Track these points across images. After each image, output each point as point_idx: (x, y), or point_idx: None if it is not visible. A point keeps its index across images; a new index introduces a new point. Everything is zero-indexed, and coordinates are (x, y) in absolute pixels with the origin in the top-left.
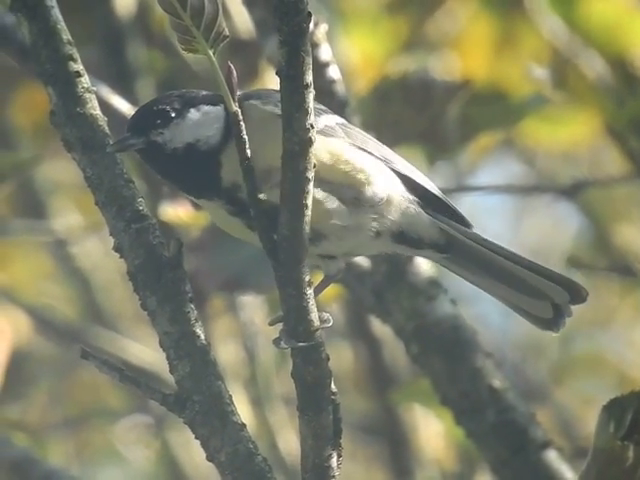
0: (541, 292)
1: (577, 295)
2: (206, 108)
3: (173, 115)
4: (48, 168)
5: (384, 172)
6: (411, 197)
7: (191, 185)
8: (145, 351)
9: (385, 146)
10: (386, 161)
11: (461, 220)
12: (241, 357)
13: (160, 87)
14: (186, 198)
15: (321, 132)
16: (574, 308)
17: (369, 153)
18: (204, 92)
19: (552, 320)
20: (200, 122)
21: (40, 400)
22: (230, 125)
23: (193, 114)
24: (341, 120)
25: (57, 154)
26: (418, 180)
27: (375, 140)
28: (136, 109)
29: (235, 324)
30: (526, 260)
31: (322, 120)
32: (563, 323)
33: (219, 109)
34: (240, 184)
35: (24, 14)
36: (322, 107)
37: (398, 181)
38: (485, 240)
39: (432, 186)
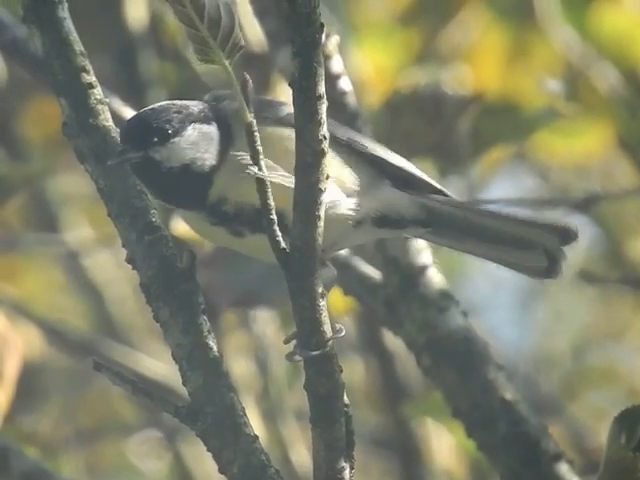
0: (531, 242)
1: (567, 236)
2: (204, 127)
3: (170, 132)
4: (60, 180)
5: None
6: (385, 179)
7: (174, 198)
8: (158, 363)
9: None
10: (353, 144)
11: (438, 192)
12: (254, 370)
13: (172, 99)
14: (161, 204)
15: (283, 121)
16: (586, 318)
17: (336, 138)
18: (199, 105)
19: (549, 267)
20: (197, 142)
21: (52, 413)
22: (224, 145)
23: (190, 133)
24: None
25: (69, 166)
26: (390, 159)
27: (344, 126)
28: (131, 117)
29: (247, 337)
30: (509, 214)
31: (286, 109)
32: (560, 268)
33: (214, 128)
34: (227, 198)
35: (37, 25)
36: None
37: (367, 165)
38: (464, 203)
39: (403, 162)
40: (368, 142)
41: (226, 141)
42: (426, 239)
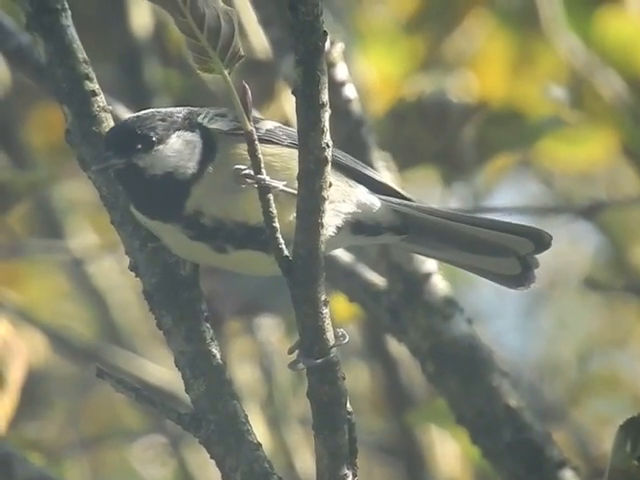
0: (505, 248)
1: (541, 242)
2: (187, 135)
3: (154, 140)
4: (64, 187)
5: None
6: (360, 186)
7: (150, 207)
8: (161, 370)
9: None
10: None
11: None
12: (258, 377)
13: (176, 106)
14: (137, 216)
15: (264, 138)
16: (591, 326)
17: None
18: (183, 111)
19: (521, 276)
20: (180, 151)
21: (56, 420)
22: (206, 152)
23: (174, 141)
24: (276, 123)
25: (73, 173)
26: (364, 171)
27: None
28: (115, 125)
29: (252, 344)
30: (483, 219)
31: (265, 125)
32: (533, 276)
33: (196, 137)
34: (203, 212)
35: (40, 33)
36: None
37: (343, 173)
38: (438, 210)
39: (377, 174)
40: (339, 151)
41: (206, 154)
42: (401, 247)
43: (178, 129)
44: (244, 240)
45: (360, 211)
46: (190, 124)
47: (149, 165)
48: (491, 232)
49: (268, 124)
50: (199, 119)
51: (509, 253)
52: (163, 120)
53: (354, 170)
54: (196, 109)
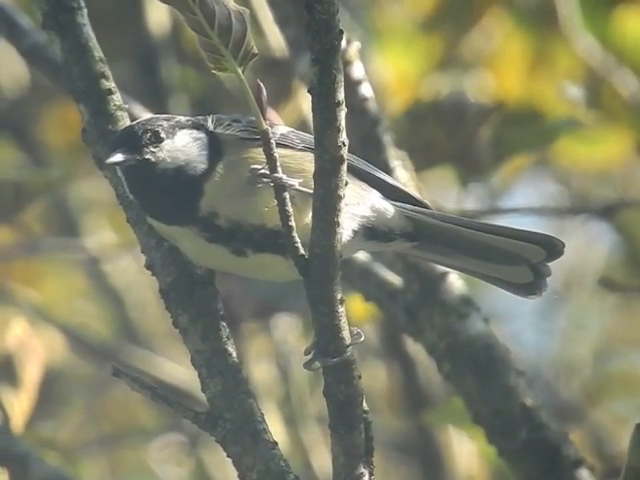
0: (517, 256)
1: (553, 250)
2: (194, 132)
3: (163, 135)
4: (81, 186)
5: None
6: (373, 191)
7: (165, 210)
8: (178, 369)
9: None
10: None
11: (424, 207)
12: (275, 376)
13: (193, 104)
14: (154, 225)
15: (278, 142)
16: (607, 325)
17: None
18: (186, 117)
19: (533, 284)
20: (189, 146)
21: (73, 418)
22: (214, 153)
23: (183, 136)
24: (289, 128)
25: (90, 172)
26: (377, 174)
27: None
28: (122, 128)
29: (269, 344)
30: (495, 226)
31: (279, 130)
32: (545, 285)
33: (204, 135)
34: (218, 213)
35: (56, 32)
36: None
37: (356, 176)
38: (450, 216)
39: (389, 177)
40: (352, 155)
41: (214, 155)
42: (412, 254)
43: (183, 127)
44: (263, 243)
45: (374, 216)
46: (194, 125)
47: (160, 160)
48: (503, 239)
49: (282, 129)
50: (205, 124)
51: (521, 261)
52: (168, 120)
53: (367, 174)
54: (203, 117)
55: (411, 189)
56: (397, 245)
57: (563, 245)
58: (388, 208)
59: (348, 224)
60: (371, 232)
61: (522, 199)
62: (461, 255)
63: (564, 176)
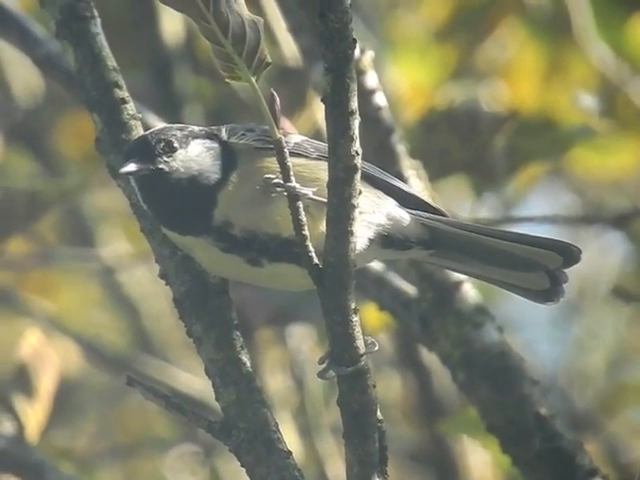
0: (534, 262)
1: (570, 256)
2: (207, 143)
3: (177, 145)
4: (95, 195)
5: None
6: (389, 198)
7: (179, 220)
8: (193, 378)
9: None
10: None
11: (440, 214)
12: (290, 386)
13: (207, 114)
14: (169, 235)
15: (293, 151)
16: (621, 335)
17: None
18: (200, 127)
19: (550, 290)
20: (203, 156)
21: (88, 428)
22: (227, 163)
23: (195, 147)
24: (303, 137)
25: (104, 181)
26: (392, 182)
27: None
28: (135, 138)
29: (283, 353)
30: (512, 233)
31: (293, 139)
32: (562, 291)
33: (217, 145)
34: (232, 222)
35: (69, 41)
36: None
37: (371, 184)
38: (467, 224)
39: (405, 185)
40: (367, 163)
41: (228, 164)
42: (429, 262)
43: (197, 137)
44: (278, 253)
45: (390, 224)
46: (207, 135)
47: (174, 170)
48: (520, 246)
49: (296, 137)
50: (219, 134)
51: (538, 267)
52: (181, 130)
53: (382, 182)
54: (216, 126)
55: (426, 196)
56: (414, 253)
57: (580, 251)
58: (404, 216)
59: (364, 232)
60: (387, 240)
61: (536, 208)
62: (478, 262)
63: (578, 185)
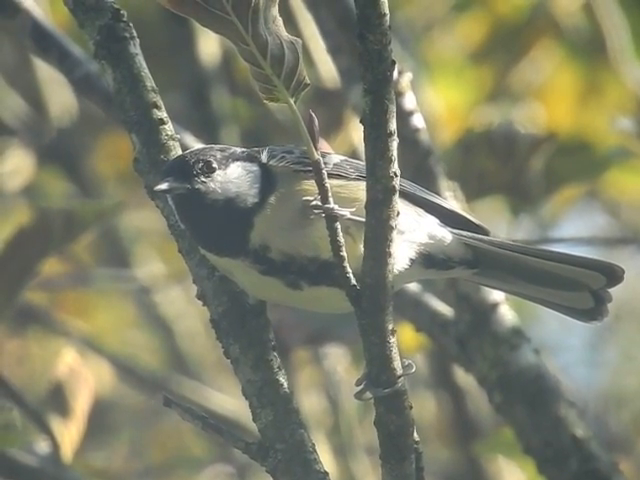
0: (577, 282)
1: (613, 276)
2: (247, 165)
3: (215, 166)
4: (132, 216)
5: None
6: (430, 216)
7: (216, 241)
8: (228, 399)
9: None
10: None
11: (483, 232)
12: (324, 406)
13: (244, 135)
14: (207, 256)
15: (332, 172)
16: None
17: None
18: (241, 149)
19: (594, 310)
20: (242, 178)
21: (123, 448)
22: (266, 185)
23: (234, 169)
24: (342, 157)
25: (141, 202)
26: (433, 199)
27: None
28: (174, 157)
29: (319, 374)
30: (555, 253)
31: (332, 159)
32: (606, 310)
33: (257, 168)
34: (270, 246)
35: (108, 61)
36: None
37: (411, 202)
38: (510, 243)
39: (446, 202)
40: (408, 183)
41: (266, 187)
42: (473, 281)
43: (237, 159)
44: (318, 276)
45: (431, 242)
46: (248, 157)
47: (211, 190)
48: (563, 266)
49: (335, 158)
50: (259, 156)
51: (581, 287)
52: (222, 151)
53: (423, 200)
54: (258, 148)
55: (467, 213)
56: (457, 273)
57: (623, 271)
58: (446, 235)
59: (405, 251)
60: (429, 260)
61: (572, 229)
62: (522, 281)
63: (614, 207)
